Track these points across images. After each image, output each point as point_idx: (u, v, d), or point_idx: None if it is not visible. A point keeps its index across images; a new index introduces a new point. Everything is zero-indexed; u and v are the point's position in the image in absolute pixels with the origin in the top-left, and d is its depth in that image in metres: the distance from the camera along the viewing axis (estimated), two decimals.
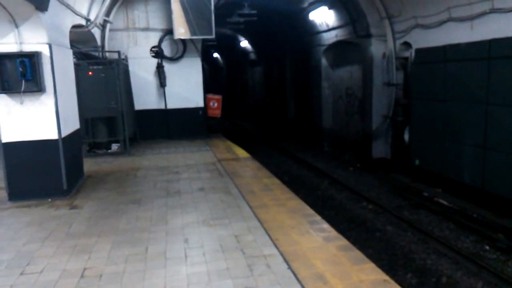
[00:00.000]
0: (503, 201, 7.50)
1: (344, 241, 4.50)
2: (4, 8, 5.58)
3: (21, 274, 4.00)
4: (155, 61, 11.78)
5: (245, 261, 4.09)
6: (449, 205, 8.49)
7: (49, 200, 6.33)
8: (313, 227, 4.90)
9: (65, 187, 6.47)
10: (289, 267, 3.92)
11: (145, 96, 11.83)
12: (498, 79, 7.45)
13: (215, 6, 11.03)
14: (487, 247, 6.84)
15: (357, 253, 4.20)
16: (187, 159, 9.24)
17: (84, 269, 4.05)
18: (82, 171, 7.75)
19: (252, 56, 24.18)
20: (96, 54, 10.76)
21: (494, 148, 7.66)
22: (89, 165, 8.64)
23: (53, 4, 6.21)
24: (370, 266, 3.92)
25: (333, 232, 4.75)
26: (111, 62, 10.22)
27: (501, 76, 7.37)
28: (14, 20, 5.80)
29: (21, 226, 5.31)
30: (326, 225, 4.97)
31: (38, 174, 6.35)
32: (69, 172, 6.61)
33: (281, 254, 4.21)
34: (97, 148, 10.27)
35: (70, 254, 4.40)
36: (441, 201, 8.72)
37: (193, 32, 11.00)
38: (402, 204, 9.08)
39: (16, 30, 5.89)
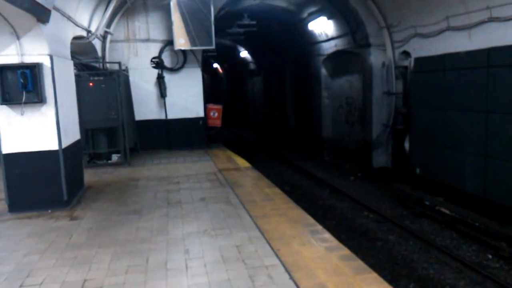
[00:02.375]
0: (506, 210, 7.46)
1: (346, 251, 4.47)
2: (6, 20, 5.62)
3: (21, 286, 3.97)
4: (155, 71, 11.83)
5: (247, 271, 4.05)
6: (451, 214, 8.45)
7: (49, 211, 6.30)
8: (314, 237, 4.87)
9: (65, 198, 6.45)
10: (291, 278, 3.89)
11: (146, 107, 11.85)
12: (497, 87, 7.47)
13: (215, 17, 11.11)
14: (490, 256, 6.80)
15: (360, 263, 4.16)
16: (188, 169, 9.22)
17: (85, 280, 4.01)
18: (82, 182, 7.73)
19: (252, 66, 24.30)
20: (97, 65, 10.81)
21: (495, 156, 7.64)
22: (89, 175, 8.62)
23: (54, 16, 6.26)
24: (373, 276, 3.89)
25: (335, 242, 4.72)
26: (111, 73, 10.26)
27: (501, 84, 7.38)
28: (15, 32, 5.84)
29: (21, 237, 5.28)
30: (327, 235, 4.94)
31: (39, 185, 6.33)
32: (70, 183, 6.60)
33: (283, 264, 4.17)
34: (97, 158, 10.26)
35: (70, 265, 4.37)
36: (443, 210, 8.68)
37: (193, 43, 11.05)
38: (404, 213, 9.04)
39: (17, 41, 5.92)
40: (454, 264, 6.60)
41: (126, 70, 11.40)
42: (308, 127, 16.80)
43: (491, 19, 7.47)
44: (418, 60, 9.84)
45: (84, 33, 8.62)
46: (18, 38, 5.90)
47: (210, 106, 13.08)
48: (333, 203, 10.28)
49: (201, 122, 12.31)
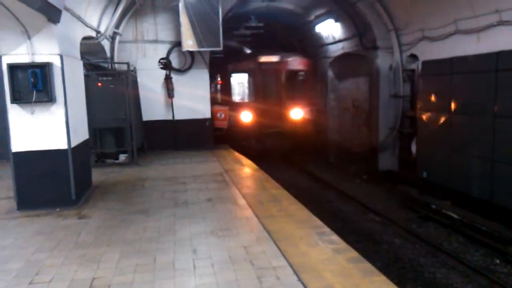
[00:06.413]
0: None
1: (354, 253, 4.46)
2: (17, 19, 5.68)
3: (30, 283, 4.00)
4: (163, 72, 11.87)
5: (254, 272, 4.06)
6: (458, 218, 8.41)
7: (58, 209, 6.35)
8: (322, 238, 4.87)
9: (73, 196, 6.49)
10: (299, 279, 3.89)
11: (153, 107, 11.90)
12: (505, 91, 7.43)
13: (222, 19, 11.14)
14: (498, 261, 6.76)
15: (368, 265, 4.16)
16: (194, 169, 9.24)
17: (93, 279, 4.04)
18: (90, 181, 7.78)
19: None
20: (106, 65, 10.87)
21: (502, 161, 7.60)
22: (97, 175, 8.65)
23: (65, 16, 6.31)
24: (381, 278, 3.88)
25: (342, 244, 4.71)
26: (120, 73, 10.32)
27: (509, 88, 7.35)
28: (26, 31, 5.89)
29: (29, 235, 5.32)
30: (335, 237, 4.93)
31: (47, 184, 6.38)
32: (78, 182, 6.64)
33: (291, 265, 4.18)
34: (105, 158, 10.31)
35: (78, 264, 4.40)
36: (450, 213, 8.64)
37: (200, 44, 11.09)
38: (410, 217, 9.01)
39: (28, 41, 5.98)
40: (461, 268, 6.56)
41: (134, 70, 11.45)
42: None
43: (501, 23, 7.44)
44: (425, 63, 9.82)
45: (93, 34, 8.69)
46: (29, 37, 5.96)
47: (217, 107, 13.11)
48: (339, 205, 10.26)
49: (207, 123, 12.35)
